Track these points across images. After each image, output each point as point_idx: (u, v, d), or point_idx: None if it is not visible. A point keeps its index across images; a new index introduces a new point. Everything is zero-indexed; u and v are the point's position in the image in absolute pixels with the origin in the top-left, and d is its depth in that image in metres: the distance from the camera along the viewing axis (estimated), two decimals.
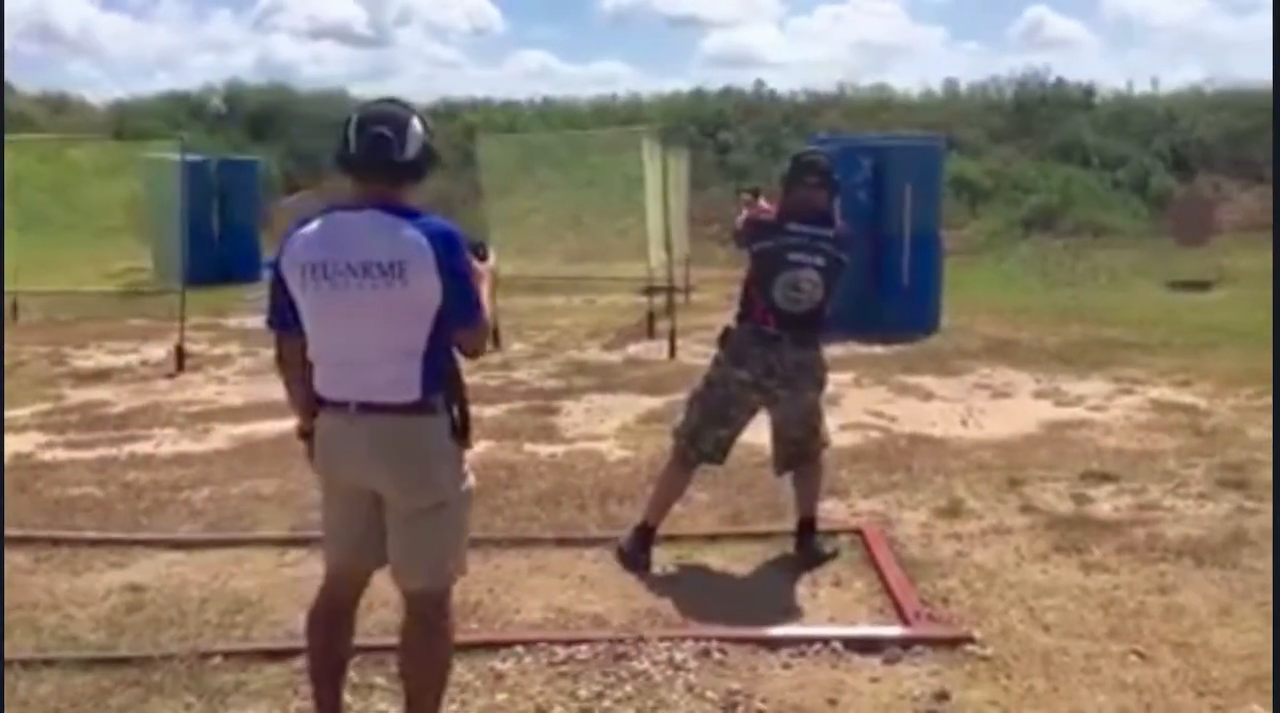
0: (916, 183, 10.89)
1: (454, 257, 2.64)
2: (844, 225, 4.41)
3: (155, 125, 22.65)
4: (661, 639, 3.61)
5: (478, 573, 3.84)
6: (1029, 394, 7.94)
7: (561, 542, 4.64)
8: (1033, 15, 55.64)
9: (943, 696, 3.30)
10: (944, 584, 4.17)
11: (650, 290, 11.33)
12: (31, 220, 13.52)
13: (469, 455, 2.84)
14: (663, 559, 4.41)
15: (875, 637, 3.67)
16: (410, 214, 2.66)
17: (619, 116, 22.41)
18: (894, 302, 10.41)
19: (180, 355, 9.09)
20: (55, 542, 4.63)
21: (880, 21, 49.27)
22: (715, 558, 4.50)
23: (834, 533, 4.65)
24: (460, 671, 3.22)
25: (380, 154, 2.65)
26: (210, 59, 53.26)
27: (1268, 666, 3.42)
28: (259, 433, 6.66)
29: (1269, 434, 6.44)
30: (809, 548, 4.44)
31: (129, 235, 15.20)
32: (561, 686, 3.37)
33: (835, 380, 7.43)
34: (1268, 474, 5.53)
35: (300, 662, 3.39)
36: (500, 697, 3.31)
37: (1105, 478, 5.58)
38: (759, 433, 4.51)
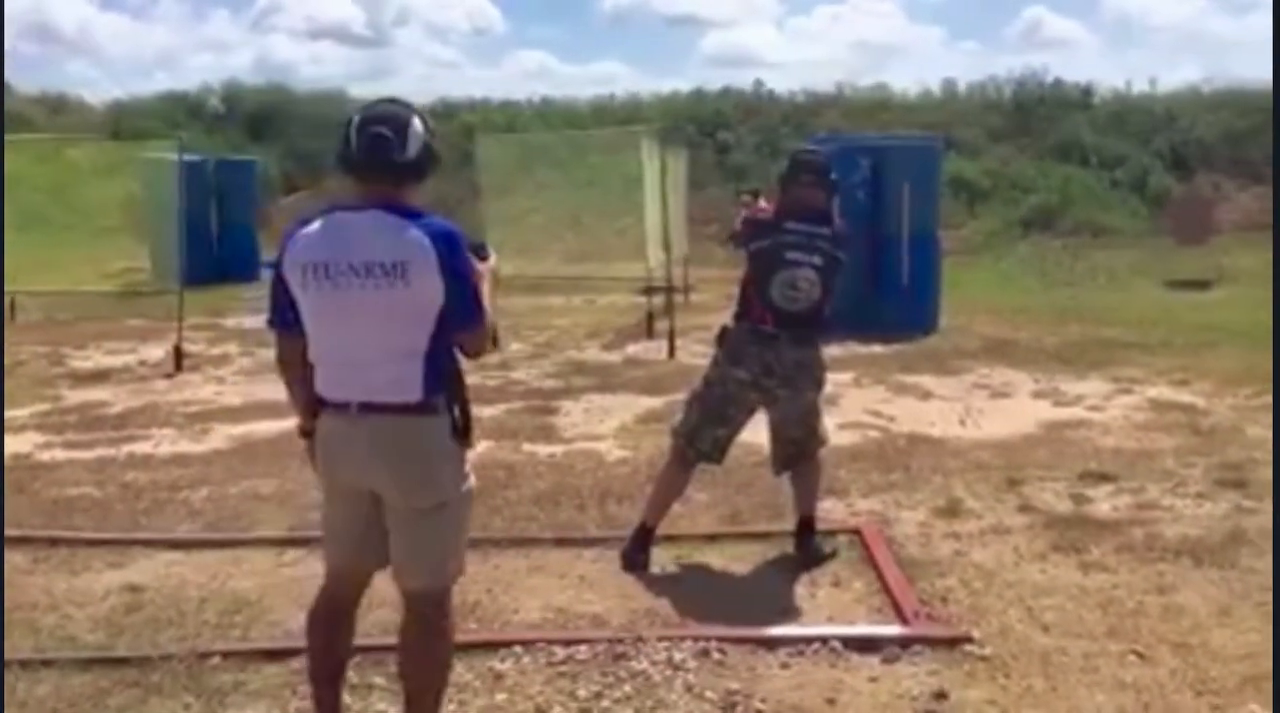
0: (915, 183, 10.89)
1: (456, 257, 2.64)
2: (841, 224, 4.41)
3: (153, 125, 22.61)
4: (660, 639, 3.61)
5: (476, 573, 3.84)
6: (1028, 394, 7.94)
7: (560, 542, 4.64)
8: (1031, 15, 55.79)
9: (941, 695, 3.30)
10: (942, 584, 4.17)
11: (649, 290, 11.33)
12: (29, 220, 13.50)
13: (469, 456, 2.84)
14: (662, 559, 4.41)
15: (874, 636, 3.66)
16: (413, 214, 2.66)
17: (618, 116, 22.40)
18: (893, 302, 10.42)
19: (178, 355, 9.09)
20: (53, 542, 4.62)
21: (878, 21, 49.32)
22: (714, 558, 4.50)
23: (833, 533, 4.65)
24: (459, 671, 3.22)
25: (380, 154, 2.65)
26: (208, 59, 53.33)
27: (1266, 665, 3.42)
28: (257, 433, 6.66)
29: (1267, 433, 6.45)
30: (808, 548, 4.44)
31: (127, 235, 15.18)
32: (560, 686, 3.37)
33: (834, 380, 7.44)
34: (1266, 474, 5.53)
35: (298, 662, 3.39)
36: (499, 697, 3.31)
37: (1104, 478, 5.58)
38: (757, 433, 4.51)
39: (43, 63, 47.93)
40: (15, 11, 40.34)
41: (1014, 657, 3.56)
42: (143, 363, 9.47)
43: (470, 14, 55.85)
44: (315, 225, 2.70)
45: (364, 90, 25.17)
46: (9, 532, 4.56)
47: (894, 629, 3.74)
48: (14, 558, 4.38)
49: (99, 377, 8.85)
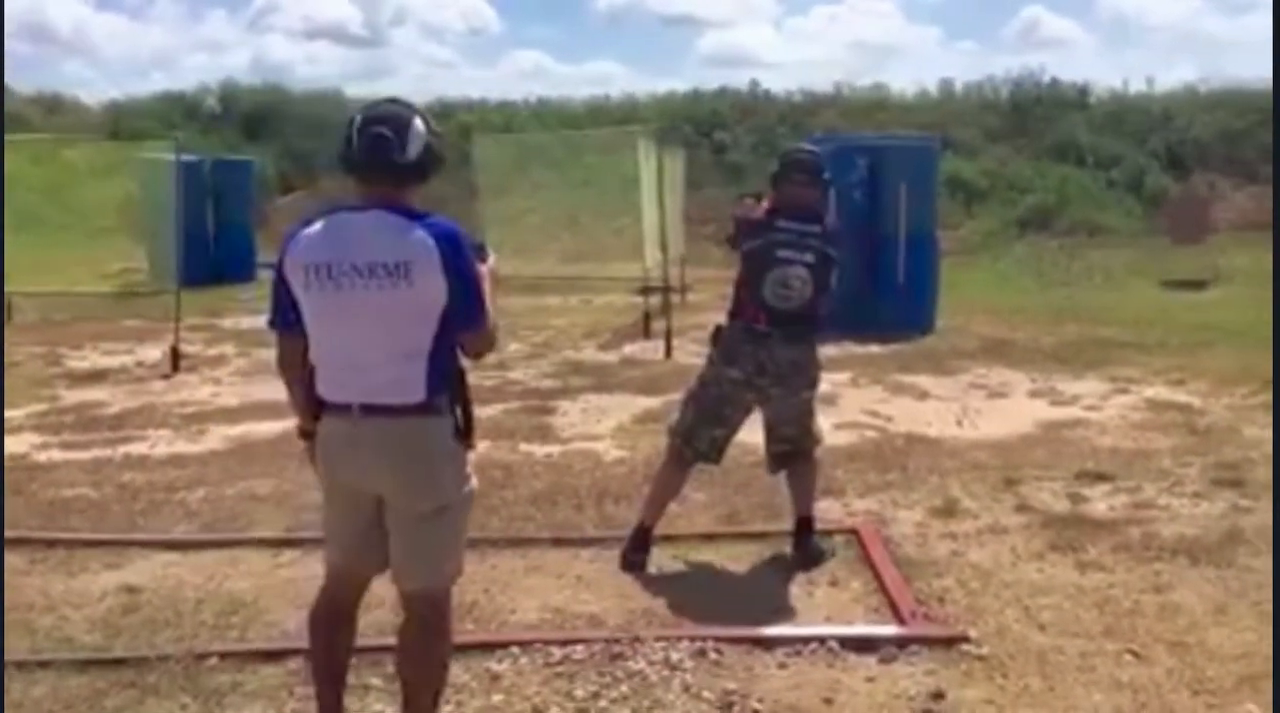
0: (912, 183, 10.90)
1: (460, 257, 2.64)
2: (833, 221, 4.41)
3: (150, 125, 22.56)
4: (657, 639, 3.61)
5: (474, 573, 3.83)
6: (1024, 394, 7.95)
7: (558, 542, 4.64)
8: (1028, 15, 55.88)
9: (938, 695, 3.30)
10: (939, 584, 4.18)
11: (646, 290, 11.33)
12: (26, 221, 13.49)
13: (470, 457, 2.84)
14: (659, 559, 4.41)
15: (871, 636, 3.67)
16: (415, 215, 2.66)
17: (614, 116, 22.38)
18: (890, 301, 10.43)
19: (175, 356, 9.07)
20: (50, 543, 4.61)
21: (876, 21, 49.37)
22: (711, 558, 4.50)
23: (830, 533, 4.65)
24: (456, 671, 3.22)
25: (381, 154, 2.64)
26: (205, 59, 53.29)
27: (1262, 664, 3.43)
28: (254, 434, 6.66)
29: (1264, 433, 6.46)
30: (805, 548, 4.44)
31: (123, 236, 15.18)
32: (558, 686, 3.37)
33: (831, 380, 7.46)
34: (1262, 473, 5.54)
35: (295, 663, 3.40)
36: (496, 698, 3.31)
37: (1100, 477, 5.59)
38: (754, 432, 4.51)
39: (38, 63, 47.91)
40: (11, 11, 40.29)
41: (1011, 656, 3.56)
42: (139, 364, 9.46)
43: (466, 14, 55.93)
44: (317, 226, 2.70)
45: (360, 90, 25.17)
46: (6, 533, 4.54)
47: (891, 629, 3.75)
48: (11, 559, 4.37)
49: (96, 377, 8.84)
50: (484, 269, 2.77)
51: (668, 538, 4.54)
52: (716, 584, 4.31)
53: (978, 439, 6.50)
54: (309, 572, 4.10)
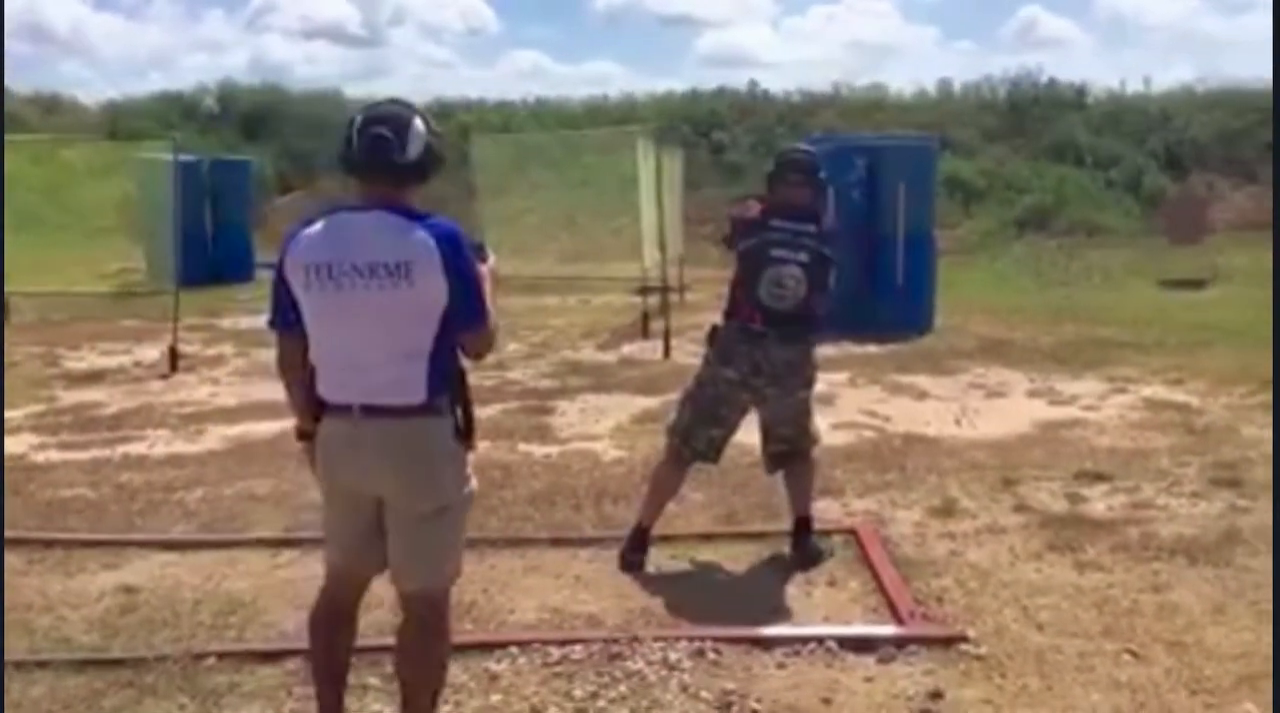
0: (910, 183, 10.91)
1: (461, 257, 2.64)
2: (829, 221, 4.40)
3: (148, 125, 22.54)
4: (656, 639, 3.61)
5: (472, 573, 3.83)
6: (1023, 394, 7.95)
7: (556, 542, 4.64)
8: (1026, 15, 55.92)
9: (937, 695, 3.30)
10: (938, 584, 4.18)
11: (645, 290, 11.33)
12: (24, 221, 13.47)
13: (470, 458, 2.84)
14: (657, 559, 4.41)
15: (870, 636, 3.67)
16: (416, 215, 2.66)
17: (613, 116, 22.38)
18: (888, 301, 10.43)
19: (173, 356, 9.07)
20: (48, 543, 4.61)
21: (874, 21, 49.40)
22: (710, 558, 4.51)
23: (828, 533, 4.65)
24: (455, 672, 3.22)
25: (381, 155, 2.64)
26: (203, 59, 53.29)
27: (1261, 664, 3.43)
28: (252, 434, 6.65)
29: (1262, 433, 6.46)
30: (804, 548, 4.44)
31: (122, 236, 15.17)
32: (556, 686, 3.37)
33: (829, 380, 7.46)
34: (1260, 473, 5.55)
35: (293, 663, 3.40)
36: (495, 698, 3.31)
37: (1099, 477, 5.59)
38: (752, 433, 4.51)
39: (36, 63, 47.89)
40: (9, 11, 40.25)
41: (1009, 656, 3.56)
42: (138, 364, 9.46)
43: (464, 14, 55.90)
44: (318, 226, 2.70)
45: (359, 90, 25.22)
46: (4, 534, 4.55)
47: (889, 629, 3.75)
48: (9, 559, 4.37)
49: (94, 378, 8.84)
50: (484, 269, 2.77)
51: (666, 538, 4.54)
52: (715, 584, 4.31)
53: (976, 439, 6.50)
54: (307, 572, 4.10)
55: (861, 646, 3.59)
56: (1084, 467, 5.78)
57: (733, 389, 4.32)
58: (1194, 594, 4.06)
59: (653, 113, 21.03)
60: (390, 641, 2.99)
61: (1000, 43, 46.55)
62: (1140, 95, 23.67)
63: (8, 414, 7.06)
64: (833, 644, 3.59)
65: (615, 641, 3.60)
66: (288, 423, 2.96)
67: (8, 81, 23.82)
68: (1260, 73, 21.06)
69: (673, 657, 3.51)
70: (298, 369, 2.80)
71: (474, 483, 2.86)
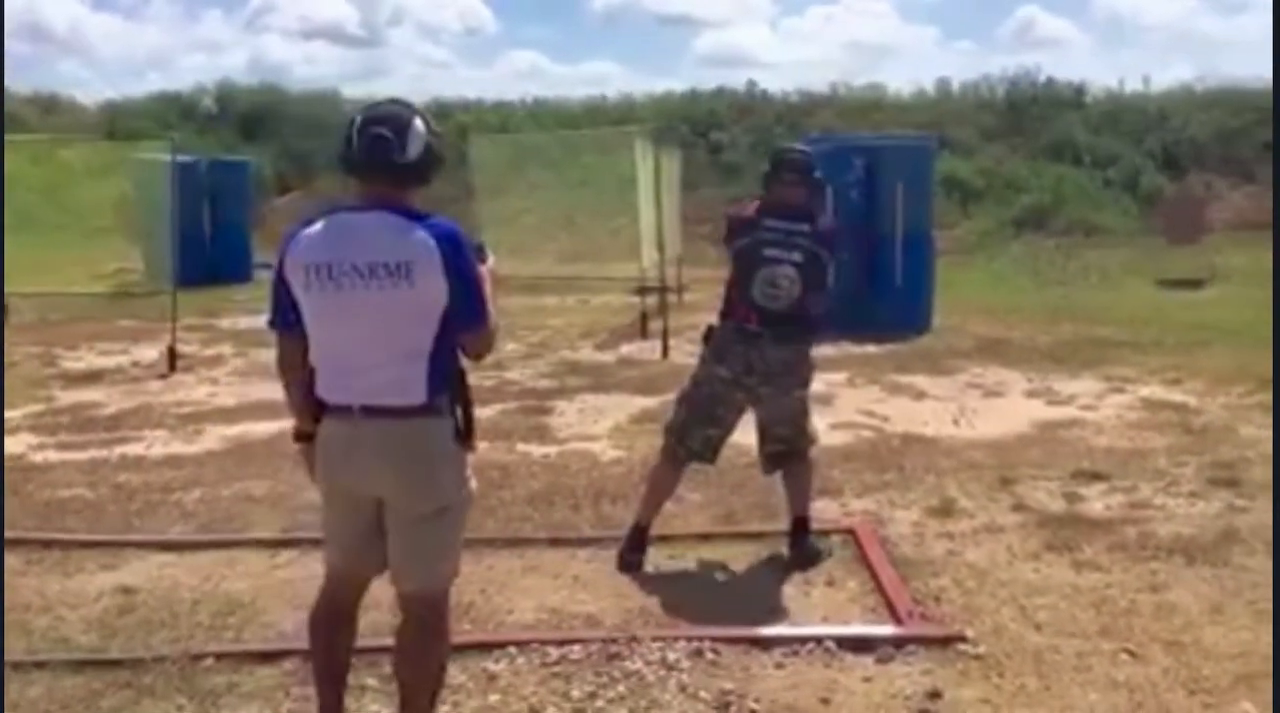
0: (908, 182, 10.92)
1: (461, 258, 2.64)
2: (826, 220, 4.40)
3: (146, 126, 22.55)
4: (654, 639, 3.61)
5: (470, 574, 3.83)
6: (1021, 393, 7.95)
7: (554, 542, 4.63)
8: (1024, 14, 55.85)
9: (935, 694, 3.31)
10: (936, 583, 4.18)
11: (643, 290, 11.33)
12: (22, 221, 13.45)
13: (470, 459, 2.83)
14: (656, 559, 4.41)
15: (868, 636, 3.67)
16: (416, 215, 2.65)
17: (611, 117, 22.38)
18: (886, 301, 10.44)
19: (172, 356, 9.06)
20: (46, 544, 4.61)
21: (872, 21, 49.43)
22: (708, 558, 4.51)
23: (826, 533, 4.65)
24: (453, 672, 3.22)
25: (381, 155, 2.64)
26: (201, 59, 53.30)
27: (1259, 663, 3.44)
28: (251, 434, 6.65)
29: (1260, 432, 6.47)
30: (802, 548, 4.44)
31: (120, 236, 15.16)
32: (554, 686, 3.37)
33: (828, 380, 7.46)
34: (1258, 472, 5.55)
35: (291, 663, 3.40)
36: (493, 698, 3.31)
37: (1097, 477, 5.59)
38: (750, 433, 4.51)
39: (34, 63, 47.89)
40: (7, 11, 40.21)
41: (1007, 656, 3.56)
42: (136, 364, 9.45)
43: (462, 14, 55.92)
44: (318, 226, 2.69)
45: (357, 90, 25.23)
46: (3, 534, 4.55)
47: (888, 629, 3.75)
48: (7, 560, 4.36)
49: (92, 378, 8.83)
50: (484, 270, 2.77)
51: (664, 538, 4.54)
52: (713, 584, 4.31)
53: (974, 439, 6.50)
54: (306, 572, 4.10)
55: (860, 645, 3.59)
56: (1082, 466, 5.78)
57: (727, 389, 4.32)
58: (1192, 594, 4.06)
59: (651, 113, 21.03)
60: (388, 641, 2.99)
61: (998, 42, 46.62)
62: (1138, 95, 23.68)
63: (6, 414, 7.05)
64: (831, 644, 3.59)
65: (614, 641, 3.60)
66: (286, 423, 2.96)
67: (7, 81, 23.83)
68: (1258, 72, 21.12)
69: (671, 657, 3.51)
70: (297, 370, 2.79)
71: (474, 484, 2.86)
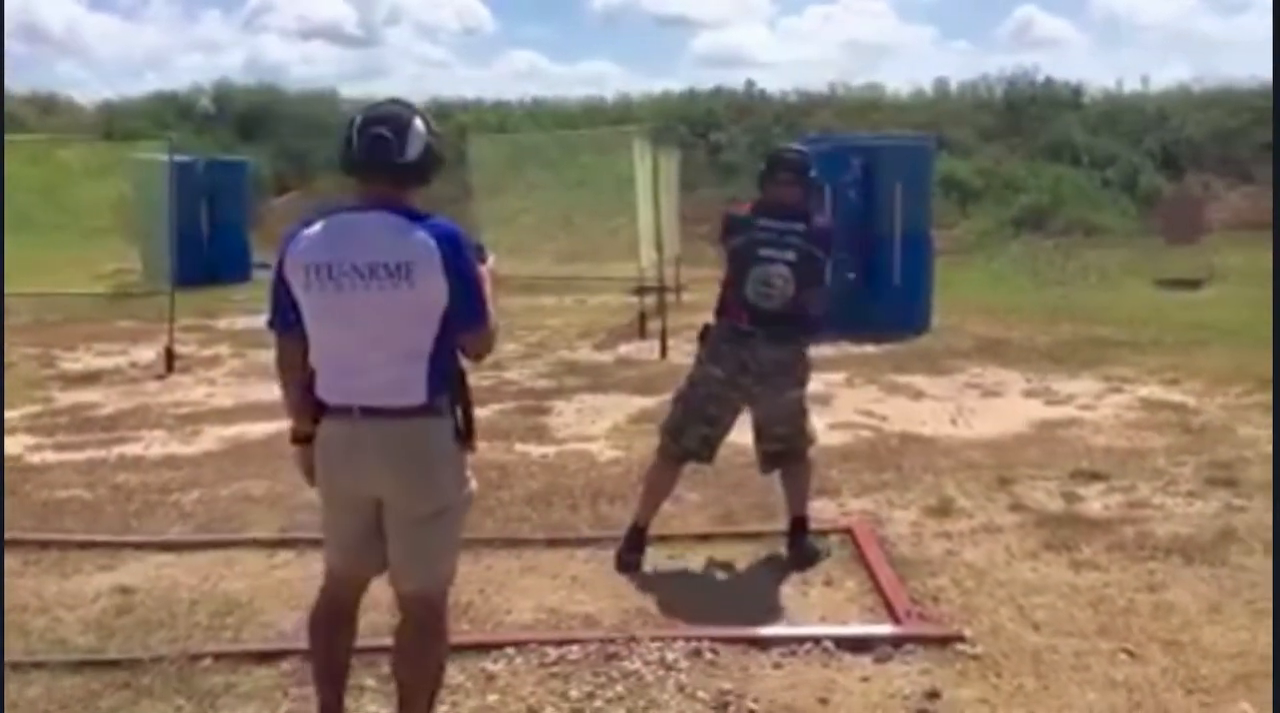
0: (907, 182, 10.92)
1: (461, 258, 2.63)
2: (820, 220, 4.40)
3: (144, 126, 22.55)
4: (653, 639, 3.61)
5: (469, 574, 3.83)
6: (1019, 393, 7.96)
7: (553, 542, 4.63)
8: (1022, 15, 55.95)
9: (933, 694, 3.31)
10: (934, 583, 4.18)
11: (641, 290, 11.33)
12: (19, 222, 13.43)
13: (470, 460, 2.83)
14: (654, 559, 4.41)
15: (866, 636, 3.67)
16: (416, 215, 2.65)
17: (609, 116, 22.40)
18: (885, 301, 10.44)
19: (169, 357, 9.06)
20: (44, 544, 4.61)
21: (870, 21, 49.48)
22: (706, 558, 4.50)
23: (825, 532, 4.65)
24: (451, 672, 3.22)
25: (380, 155, 2.63)
26: (199, 59, 53.31)
27: (1256, 663, 3.44)
28: (248, 434, 6.65)
29: (1258, 432, 6.47)
30: (800, 547, 4.44)
31: (117, 237, 15.15)
32: (553, 686, 3.37)
33: (826, 380, 7.46)
34: (1256, 472, 5.56)
35: (289, 664, 3.40)
36: (491, 698, 3.30)
37: (1095, 476, 5.60)
38: (748, 433, 4.51)
39: (32, 63, 47.93)
40: (5, 11, 40.13)
41: (1005, 655, 3.56)
42: (133, 364, 9.44)
43: (460, 13, 55.86)
44: (317, 226, 2.69)
45: (355, 90, 25.25)
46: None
47: (886, 629, 3.75)
48: (5, 561, 4.36)
49: (89, 378, 8.83)
50: (484, 270, 2.76)
51: (662, 538, 4.54)
52: (711, 584, 4.31)
53: (972, 439, 6.50)
54: (304, 573, 4.10)
55: (858, 645, 3.59)
56: (1080, 466, 5.78)
57: (721, 388, 4.32)
58: (1190, 593, 4.06)
59: (649, 113, 21.05)
60: (386, 642, 2.99)
61: (996, 42, 46.67)
62: (1136, 95, 23.71)
63: (4, 415, 7.05)
64: (829, 644, 3.59)
65: (612, 641, 3.60)
66: (284, 424, 2.95)
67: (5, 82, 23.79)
68: (1256, 72, 21.16)
69: (669, 657, 3.51)
70: (296, 370, 2.79)
71: (473, 485, 2.86)
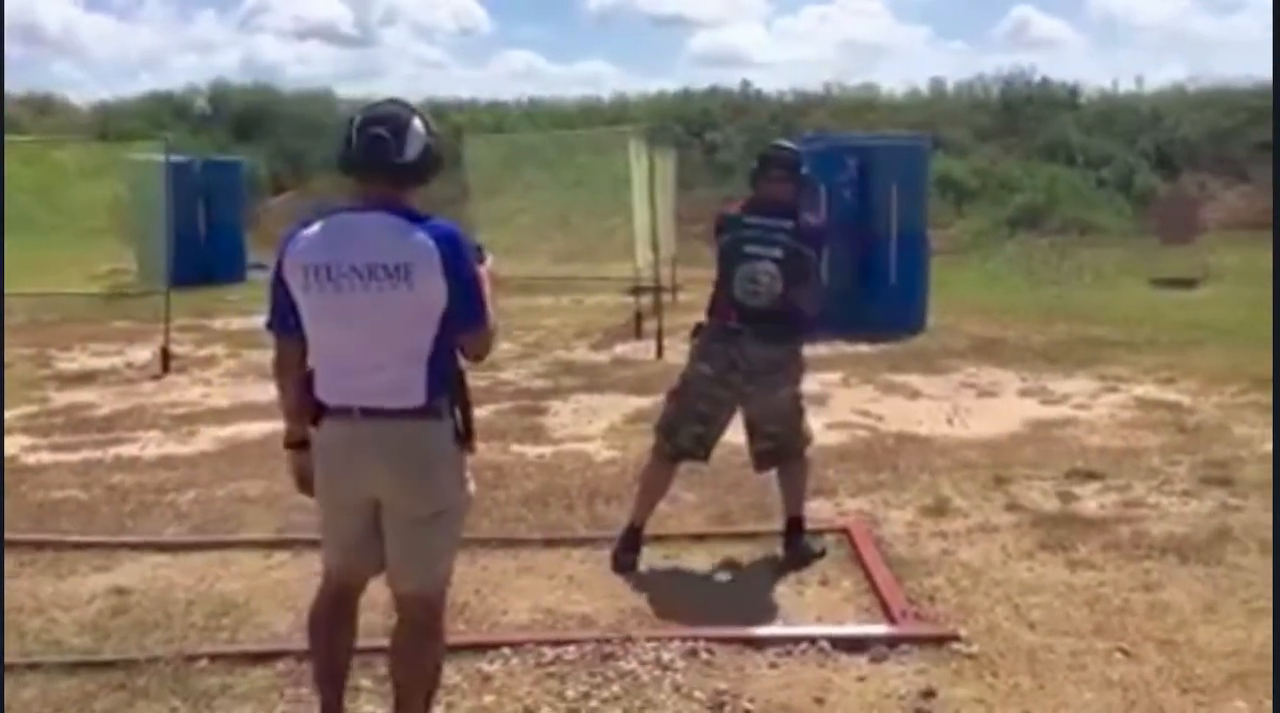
0: (902, 182, 10.93)
1: (460, 259, 2.63)
2: (810, 218, 4.39)
3: (139, 126, 22.54)
4: (649, 639, 3.62)
5: (465, 574, 3.84)
6: (1015, 393, 7.96)
7: (549, 542, 4.63)
8: (1018, 15, 56.13)
9: (929, 693, 3.31)
10: (930, 583, 4.18)
11: (637, 290, 11.33)
12: (15, 222, 13.36)
13: (469, 461, 2.83)
14: (650, 559, 4.41)
15: (862, 636, 3.67)
16: (415, 217, 2.64)
17: (605, 116, 22.40)
18: (881, 301, 10.45)
19: (165, 357, 9.05)
20: (39, 545, 4.60)
21: (866, 21, 49.56)
22: (703, 558, 4.51)
23: (821, 532, 4.65)
24: (448, 672, 3.22)
25: (379, 155, 2.63)
26: (194, 59, 53.25)
27: (1252, 662, 3.45)
28: (245, 435, 6.64)
29: (1253, 431, 6.48)
30: (797, 547, 4.44)
31: (113, 237, 15.11)
32: (549, 686, 3.37)
33: (822, 380, 7.47)
34: (1252, 471, 5.57)
35: (285, 664, 3.40)
36: (488, 698, 3.31)
37: (1090, 476, 5.60)
38: (743, 432, 4.51)
39: (27, 64, 47.88)
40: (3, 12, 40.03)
41: (1001, 655, 3.57)
42: (129, 365, 9.43)
43: (457, 14, 55.89)
44: (316, 227, 2.68)
45: (351, 90, 25.23)
46: None
47: (882, 628, 3.75)
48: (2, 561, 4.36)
49: (85, 379, 8.82)
50: (483, 271, 2.76)
51: (659, 538, 4.54)
52: (707, 584, 4.31)
53: (968, 438, 6.51)
54: (300, 573, 4.10)
55: (854, 645, 3.60)
56: (1075, 465, 5.79)
57: (711, 386, 4.32)
58: (1185, 593, 4.07)
59: (645, 113, 21.05)
60: (383, 642, 2.98)
61: (992, 42, 46.74)
62: (1132, 95, 23.77)
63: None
64: (825, 644, 3.60)
65: (608, 641, 3.60)
66: (280, 424, 2.95)
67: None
68: (1250, 72, 21.21)
69: (666, 657, 3.51)
70: (294, 372, 2.78)
71: (473, 486, 2.86)
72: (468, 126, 20.64)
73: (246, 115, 25.29)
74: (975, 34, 52.12)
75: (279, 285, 2.71)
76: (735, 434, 4.52)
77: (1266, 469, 5.52)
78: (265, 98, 26.30)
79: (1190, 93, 23.07)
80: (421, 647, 2.85)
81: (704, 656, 3.53)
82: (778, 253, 4.21)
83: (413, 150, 2.65)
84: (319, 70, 51.39)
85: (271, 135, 24.03)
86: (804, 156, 4.51)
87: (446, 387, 2.70)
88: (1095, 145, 21.42)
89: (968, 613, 3.90)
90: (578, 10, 55.45)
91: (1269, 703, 3.18)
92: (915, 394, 7.89)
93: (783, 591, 4.16)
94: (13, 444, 6.48)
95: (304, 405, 2.77)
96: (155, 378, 8.81)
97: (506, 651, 3.56)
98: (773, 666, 3.50)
